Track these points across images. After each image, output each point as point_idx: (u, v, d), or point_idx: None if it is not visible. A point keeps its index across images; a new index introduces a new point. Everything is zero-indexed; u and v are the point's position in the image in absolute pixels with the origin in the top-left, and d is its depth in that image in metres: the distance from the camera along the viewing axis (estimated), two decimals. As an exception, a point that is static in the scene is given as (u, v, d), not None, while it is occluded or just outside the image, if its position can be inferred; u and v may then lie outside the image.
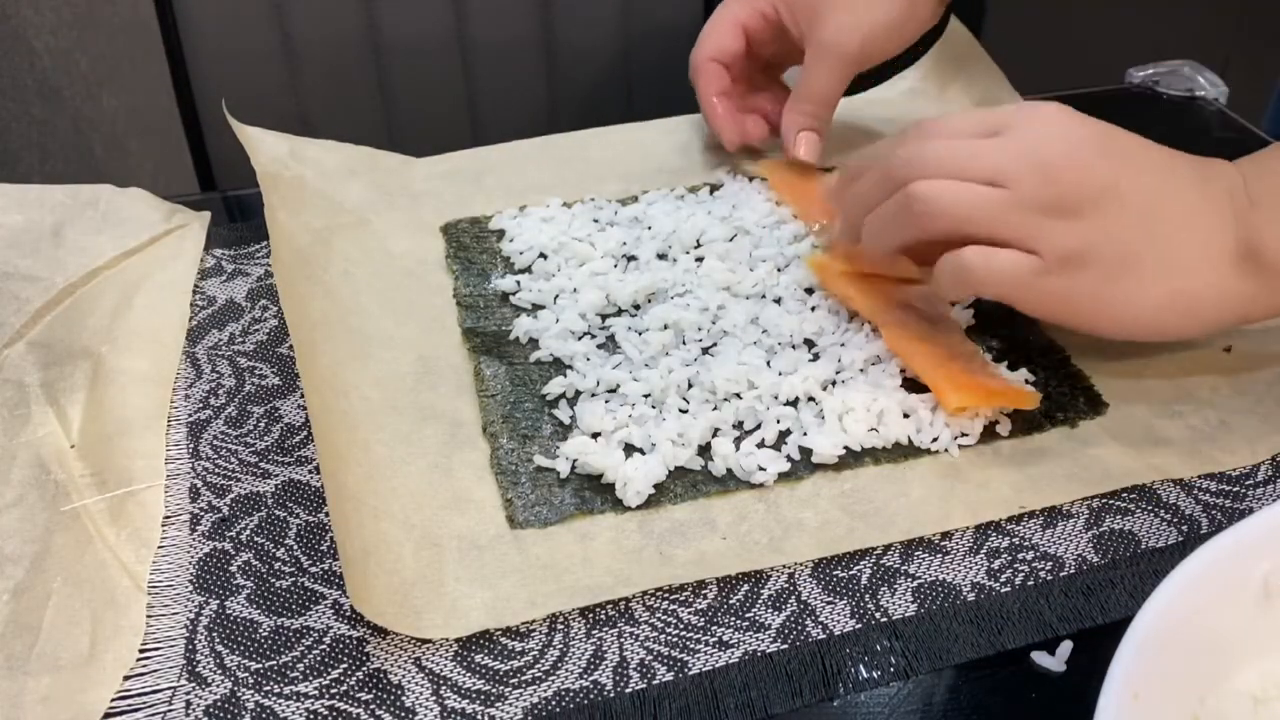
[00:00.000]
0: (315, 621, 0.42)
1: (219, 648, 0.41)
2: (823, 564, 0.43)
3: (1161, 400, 0.50)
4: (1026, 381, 0.51)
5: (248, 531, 0.46)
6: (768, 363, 0.52)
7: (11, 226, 0.59)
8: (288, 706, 0.39)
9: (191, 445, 0.50)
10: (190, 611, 0.42)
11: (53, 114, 1.25)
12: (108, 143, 1.35)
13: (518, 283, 0.58)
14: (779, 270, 0.58)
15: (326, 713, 0.39)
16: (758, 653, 0.40)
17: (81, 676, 0.40)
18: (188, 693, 0.40)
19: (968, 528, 0.45)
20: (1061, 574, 0.43)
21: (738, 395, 0.50)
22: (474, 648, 0.41)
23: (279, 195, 0.58)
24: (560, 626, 0.41)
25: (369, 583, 0.41)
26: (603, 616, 0.42)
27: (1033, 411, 0.49)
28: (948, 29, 0.70)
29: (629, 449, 0.48)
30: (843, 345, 0.53)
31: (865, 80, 0.67)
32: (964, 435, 0.48)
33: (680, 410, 0.49)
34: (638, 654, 0.40)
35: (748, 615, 0.42)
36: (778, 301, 0.56)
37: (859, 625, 0.41)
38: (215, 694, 0.40)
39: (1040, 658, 0.40)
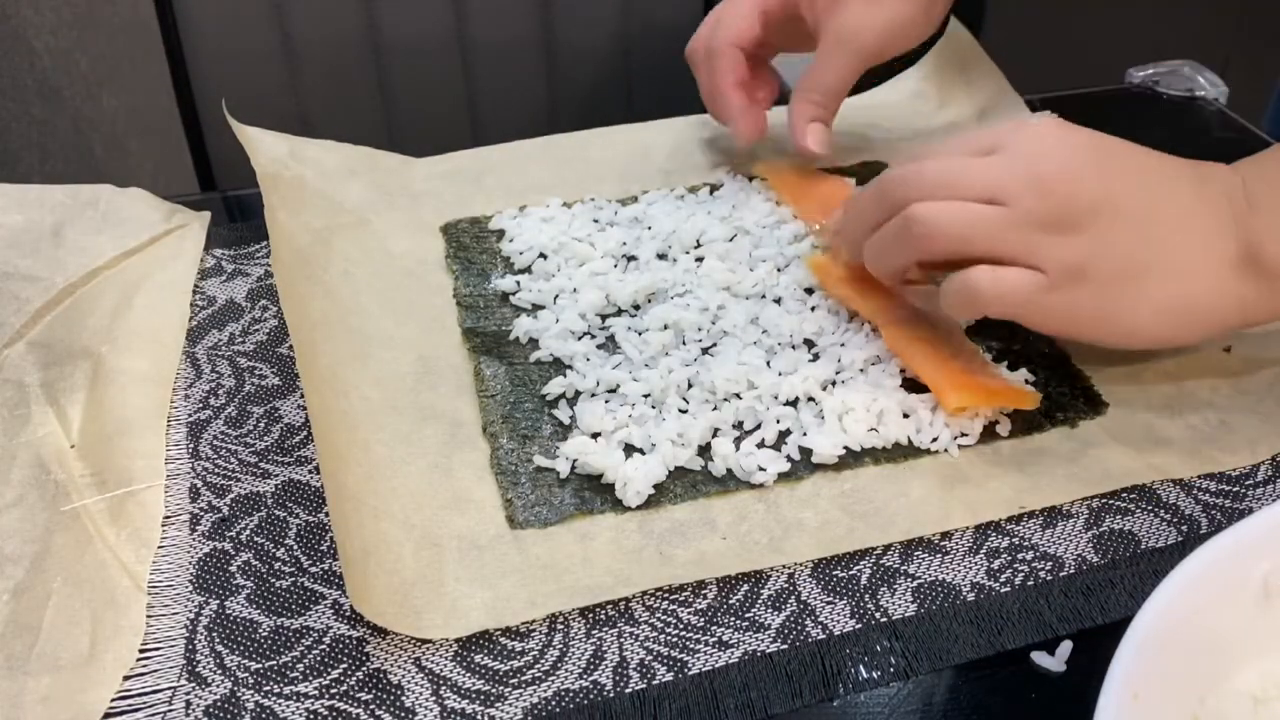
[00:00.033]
0: (315, 621, 0.42)
1: (219, 648, 0.41)
2: (823, 564, 0.43)
3: (1161, 400, 0.50)
4: (1026, 381, 0.51)
5: (248, 531, 0.46)
6: (768, 363, 0.52)
7: (11, 226, 0.59)
8: (288, 706, 0.39)
9: (191, 445, 0.50)
10: (190, 611, 0.42)
11: (53, 114, 1.25)
12: (108, 143, 1.35)
13: (518, 283, 0.58)
14: (779, 270, 0.58)
15: (326, 713, 0.39)
16: (758, 653, 0.40)
17: (81, 676, 0.40)
18: (188, 693, 0.40)
19: (968, 528, 0.45)
20: (1061, 574, 0.43)
21: (738, 395, 0.50)
22: (474, 648, 0.41)
23: (279, 195, 0.58)
24: (560, 626, 0.41)
25: (369, 583, 0.41)
26: (603, 616, 0.42)
27: (1033, 411, 0.49)
28: (948, 30, 0.70)
29: (629, 449, 0.48)
30: (843, 345, 0.53)
31: (867, 80, 0.67)
32: (964, 435, 0.48)
33: (680, 410, 0.49)
34: (638, 654, 0.40)
35: (748, 615, 0.42)
36: (778, 301, 0.56)
37: (859, 625, 0.41)
38: (215, 694, 0.40)
39: (1040, 658, 0.40)
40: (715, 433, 0.49)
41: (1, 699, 0.39)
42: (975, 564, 0.43)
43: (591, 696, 0.39)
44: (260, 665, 0.41)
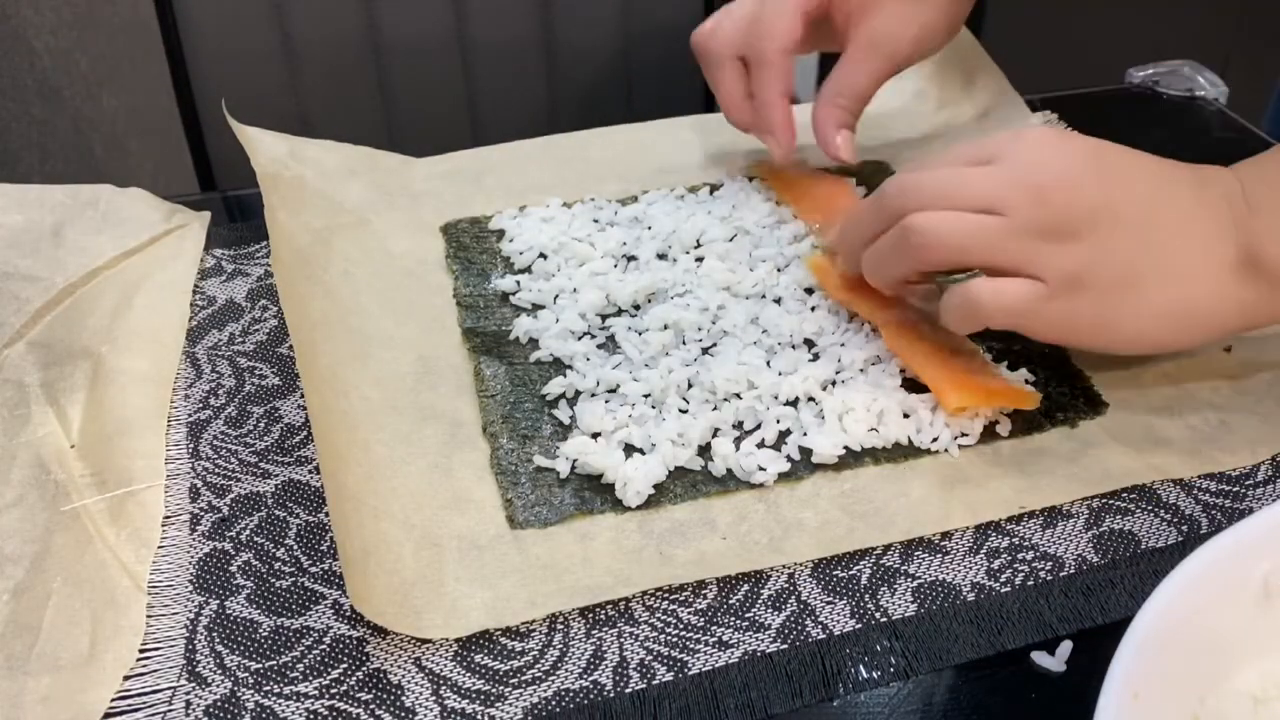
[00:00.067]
0: (315, 621, 0.42)
1: (219, 648, 0.41)
2: (823, 564, 0.43)
3: (1162, 400, 0.50)
4: (1026, 381, 0.51)
5: (248, 531, 0.46)
6: (768, 363, 0.52)
7: (11, 226, 0.59)
8: (288, 706, 0.39)
9: (191, 445, 0.50)
10: (190, 611, 0.42)
11: (53, 114, 1.25)
12: (108, 143, 1.35)
13: (518, 283, 0.58)
14: (779, 270, 0.58)
15: (326, 713, 0.39)
16: (758, 653, 0.40)
17: (81, 676, 0.40)
18: (188, 693, 0.40)
19: (968, 528, 0.45)
20: (1061, 574, 0.43)
21: (738, 395, 0.50)
22: (474, 648, 0.41)
23: (279, 195, 0.58)
24: (560, 626, 0.41)
25: (369, 583, 0.41)
26: (603, 616, 0.42)
27: (1033, 411, 0.49)
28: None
29: (629, 449, 0.48)
30: (843, 345, 0.53)
31: None
32: (964, 435, 0.48)
33: (680, 410, 0.49)
34: (638, 654, 0.40)
35: (748, 615, 0.42)
36: (778, 301, 0.56)
37: (859, 625, 0.41)
38: (215, 694, 0.40)
39: (1040, 658, 0.40)
40: (715, 433, 0.49)
41: (1, 699, 0.39)
42: (975, 564, 0.43)
43: (591, 696, 0.39)
44: (260, 665, 0.41)
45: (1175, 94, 0.75)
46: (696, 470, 0.47)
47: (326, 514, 0.46)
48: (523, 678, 0.40)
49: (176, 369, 0.54)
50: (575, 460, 0.47)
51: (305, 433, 0.50)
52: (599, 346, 0.54)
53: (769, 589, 0.43)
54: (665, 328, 0.54)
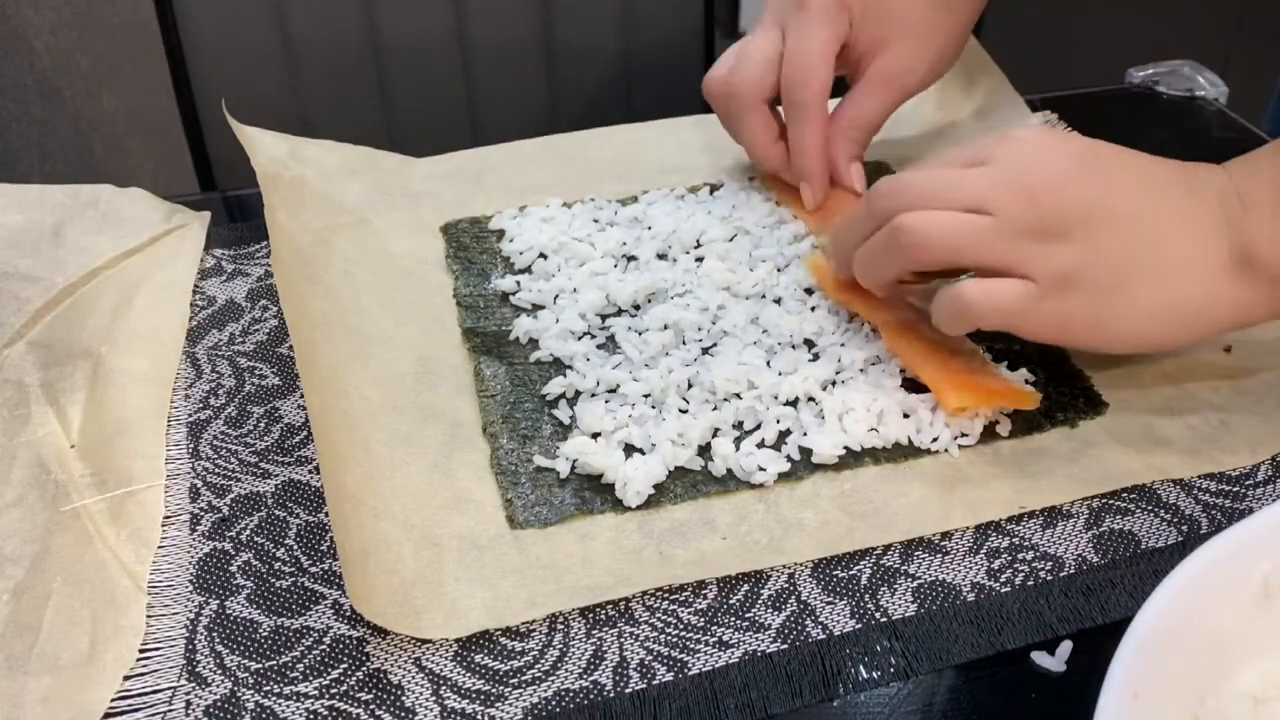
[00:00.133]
0: (315, 621, 0.42)
1: (219, 648, 0.41)
2: (823, 564, 0.43)
3: (1161, 400, 0.50)
4: (1026, 381, 0.51)
5: (248, 531, 0.46)
6: (768, 363, 0.52)
7: (11, 226, 0.59)
8: (288, 706, 0.39)
9: (191, 445, 0.50)
10: (190, 611, 0.42)
11: (53, 114, 1.25)
12: (108, 143, 1.35)
13: (518, 283, 0.58)
14: (779, 270, 0.58)
15: (326, 713, 0.39)
16: (758, 653, 0.40)
17: (81, 676, 0.40)
18: (188, 693, 0.40)
19: (968, 528, 0.45)
20: (1061, 574, 0.43)
21: (738, 395, 0.50)
22: (474, 648, 0.41)
23: (279, 195, 0.58)
24: (560, 626, 0.41)
25: (369, 583, 0.41)
26: (603, 616, 0.42)
27: (1033, 411, 0.49)
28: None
29: (629, 449, 0.48)
30: (843, 345, 0.53)
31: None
32: (964, 435, 0.48)
33: (680, 410, 0.49)
34: (638, 654, 0.40)
35: (748, 615, 0.42)
36: (778, 301, 0.56)
37: (859, 625, 0.41)
38: (215, 694, 0.40)
39: (1040, 658, 0.40)
40: (715, 433, 0.49)
41: (1, 699, 0.39)
42: (975, 564, 0.43)
43: (591, 696, 0.39)
44: (260, 665, 0.41)
45: (1175, 94, 0.75)
46: (696, 470, 0.47)
47: (326, 514, 0.46)
48: (523, 678, 0.40)
49: (176, 369, 0.54)
50: (575, 460, 0.47)
51: (305, 433, 0.50)
52: (599, 346, 0.54)
53: (769, 589, 0.43)
54: (665, 328, 0.54)
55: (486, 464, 0.48)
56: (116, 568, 0.44)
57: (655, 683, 0.39)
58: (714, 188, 0.65)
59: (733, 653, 0.40)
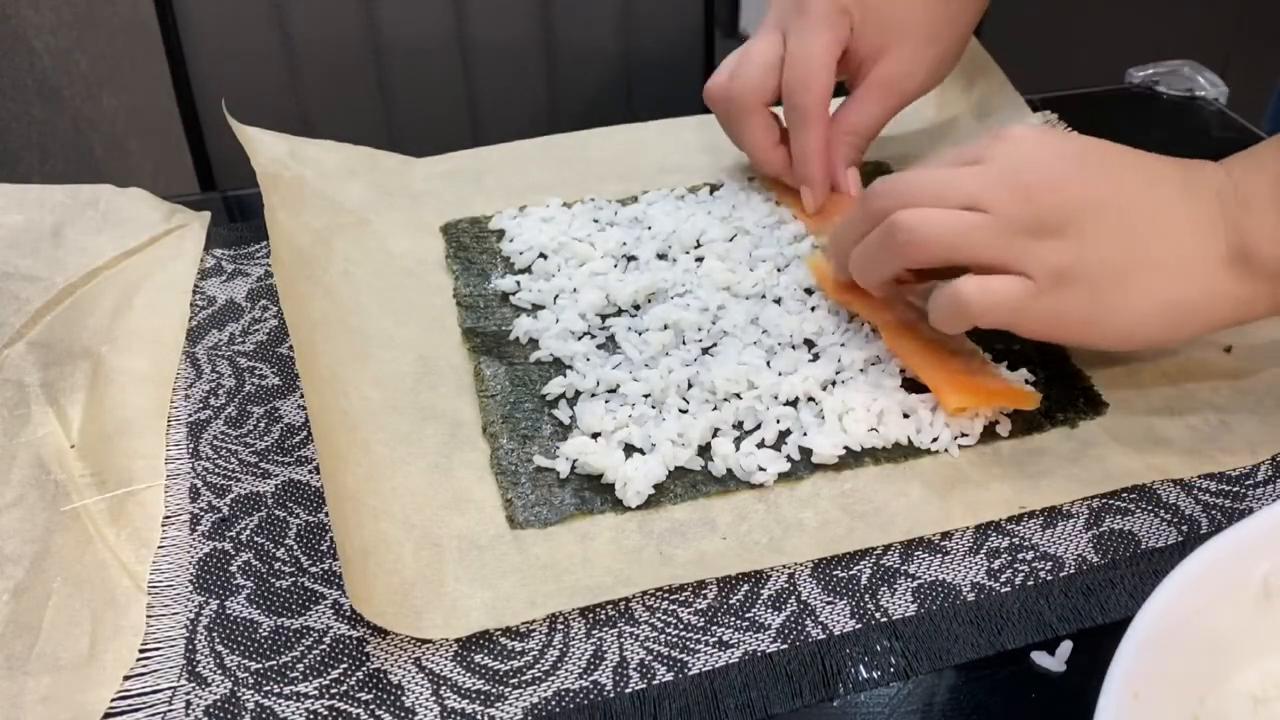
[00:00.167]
0: (315, 621, 0.42)
1: (219, 648, 0.41)
2: (823, 564, 0.43)
3: (1162, 400, 0.50)
4: (1026, 381, 0.51)
5: (248, 531, 0.46)
6: (768, 363, 0.52)
7: (11, 226, 0.59)
8: (288, 706, 0.39)
9: (191, 445, 0.50)
10: (190, 611, 0.42)
11: (53, 114, 1.25)
12: (108, 143, 1.35)
13: (518, 283, 0.58)
14: (779, 270, 0.58)
15: (326, 713, 0.39)
16: (758, 653, 0.40)
17: (81, 676, 0.40)
18: (188, 693, 0.40)
19: (968, 528, 0.45)
20: (1061, 574, 0.43)
21: (738, 395, 0.50)
22: (474, 648, 0.41)
23: (279, 195, 0.58)
24: (560, 626, 0.41)
25: (369, 583, 0.41)
26: (603, 616, 0.42)
27: (1033, 411, 0.49)
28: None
29: (629, 449, 0.48)
30: (843, 345, 0.53)
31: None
32: (964, 435, 0.48)
33: (680, 410, 0.49)
34: (638, 654, 0.40)
35: (748, 615, 0.42)
36: (778, 301, 0.56)
37: (859, 625, 0.41)
38: (215, 694, 0.40)
39: (1040, 658, 0.40)
40: (715, 433, 0.49)
41: (1, 699, 0.39)
42: (975, 564, 0.43)
43: (591, 696, 0.39)
44: (260, 665, 0.41)
45: (1175, 94, 0.75)
46: (696, 470, 0.47)
47: (326, 514, 0.46)
48: (523, 678, 0.40)
49: (176, 369, 0.54)
50: (575, 460, 0.47)
51: (305, 433, 0.50)
52: (599, 346, 0.54)
53: (769, 589, 0.43)
54: (665, 328, 0.54)
55: (486, 464, 0.48)
56: (116, 568, 0.44)
57: (655, 683, 0.39)
58: (714, 188, 0.65)
59: (733, 653, 0.40)
